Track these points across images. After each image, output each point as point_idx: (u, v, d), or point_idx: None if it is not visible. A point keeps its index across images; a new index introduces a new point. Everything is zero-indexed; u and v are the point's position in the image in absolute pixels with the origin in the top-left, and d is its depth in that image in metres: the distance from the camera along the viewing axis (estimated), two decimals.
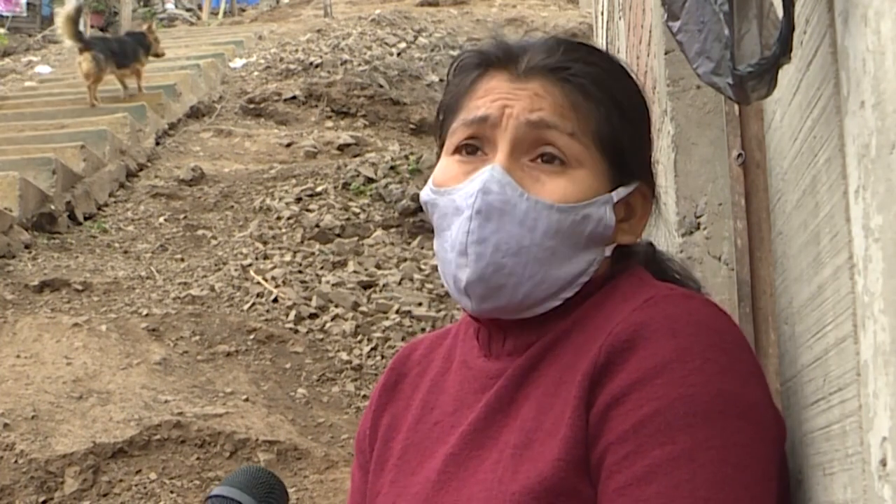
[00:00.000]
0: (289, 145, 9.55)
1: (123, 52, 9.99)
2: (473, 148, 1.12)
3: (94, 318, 5.77)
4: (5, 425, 4.65)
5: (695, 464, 0.94)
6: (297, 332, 5.96)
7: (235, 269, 6.63)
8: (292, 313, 6.11)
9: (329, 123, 10.20)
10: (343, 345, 5.88)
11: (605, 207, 1.10)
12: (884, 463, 0.72)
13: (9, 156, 7.97)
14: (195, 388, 5.19)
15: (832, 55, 0.86)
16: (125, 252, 7.22)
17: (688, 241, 2.00)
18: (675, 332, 0.99)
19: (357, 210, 7.64)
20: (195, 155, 9.40)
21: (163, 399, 4.97)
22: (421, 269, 6.83)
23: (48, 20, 19.75)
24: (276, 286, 6.41)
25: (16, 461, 4.47)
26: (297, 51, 12.28)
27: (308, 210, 7.59)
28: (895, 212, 0.69)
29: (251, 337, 5.80)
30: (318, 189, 7.96)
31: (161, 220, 7.80)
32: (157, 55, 10.48)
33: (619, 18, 5.12)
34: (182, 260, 6.99)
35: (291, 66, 11.54)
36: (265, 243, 7.10)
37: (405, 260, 6.97)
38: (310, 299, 6.29)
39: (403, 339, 5.87)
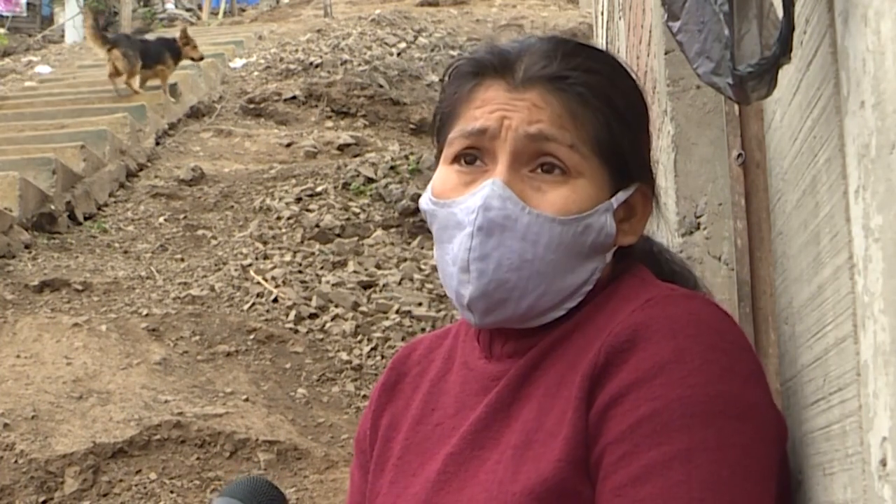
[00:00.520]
0: (289, 145, 9.54)
1: (148, 52, 10.11)
2: (472, 157, 1.11)
3: (94, 318, 5.77)
4: (5, 425, 4.65)
5: (691, 464, 0.94)
6: (297, 332, 5.95)
7: (235, 269, 6.63)
8: (292, 313, 6.11)
9: (329, 123, 10.19)
10: (343, 345, 5.87)
11: (606, 215, 1.09)
12: (884, 463, 0.72)
13: (9, 156, 7.96)
14: (195, 388, 5.18)
15: (832, 55, 0.86)
16: (125, 252, 7.21)
17: (688, 241, 2.00)
18: (674, 332, 0.99)
19: (357, 210, 7.63)
20: (195, 155, 9.39)
21: (163, 399, 4.97)
22: (421, 269, 6.83)
23: (48, 20, 19.78)
24: (276, 286, 6.41)
25: (16, 461, 4.47)
26: (297, 51, 12.27)
27: (308, 210, 7.59)
28: (895, 212, 0.69)
29: (251, 337, 5.80)
30: (318, 189, 7.95)
31: (161, 220, 7.79)
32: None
33: (619, 18, 5.11)
34: (182, 260, 6.99)
35: (291, 66, 11.54)
36: (265, 243, 7.09)
37: (405, 260, 6.96)
38: (310, 299, 6.28)
39: (403, 339, 5.86)
